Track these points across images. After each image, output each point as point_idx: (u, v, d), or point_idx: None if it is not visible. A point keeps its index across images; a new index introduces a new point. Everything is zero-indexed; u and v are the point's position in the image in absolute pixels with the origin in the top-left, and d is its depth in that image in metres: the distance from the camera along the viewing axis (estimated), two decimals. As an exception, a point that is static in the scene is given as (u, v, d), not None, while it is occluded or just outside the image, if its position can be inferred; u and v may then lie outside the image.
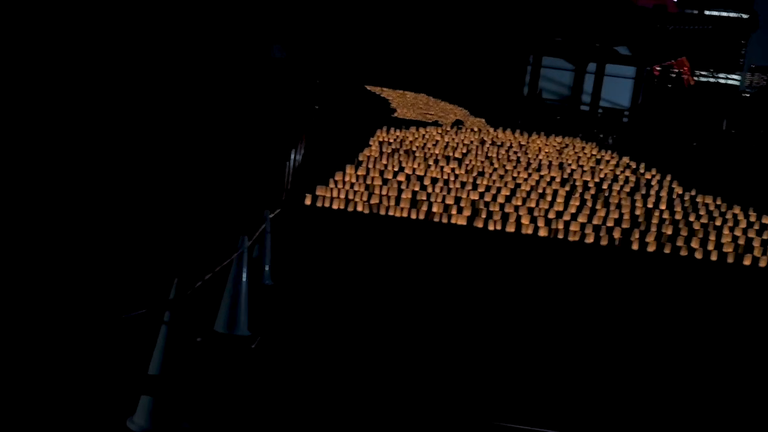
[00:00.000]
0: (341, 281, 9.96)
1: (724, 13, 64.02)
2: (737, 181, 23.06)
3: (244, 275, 6.89)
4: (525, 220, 15.46)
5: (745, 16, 48.06)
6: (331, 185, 16.28)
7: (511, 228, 15.05)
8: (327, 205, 15.32)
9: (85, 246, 9.67)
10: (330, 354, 7.06)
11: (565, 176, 20.20)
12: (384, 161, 19.22)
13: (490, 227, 15.03)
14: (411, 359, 7.22)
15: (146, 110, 20.27)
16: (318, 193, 15.61)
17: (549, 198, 17.38)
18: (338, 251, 11.88)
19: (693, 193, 19.79)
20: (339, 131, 23.74)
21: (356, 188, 16.43)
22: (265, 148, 18.09)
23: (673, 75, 72.31)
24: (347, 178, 17.12)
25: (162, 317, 4.93)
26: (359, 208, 15.32)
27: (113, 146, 16.72)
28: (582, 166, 21.84)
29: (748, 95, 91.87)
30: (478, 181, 18.21)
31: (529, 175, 19.64)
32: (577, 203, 17.34)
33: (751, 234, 16.32)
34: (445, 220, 15.23)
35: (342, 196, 15.69)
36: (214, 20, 27.41)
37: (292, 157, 17.46)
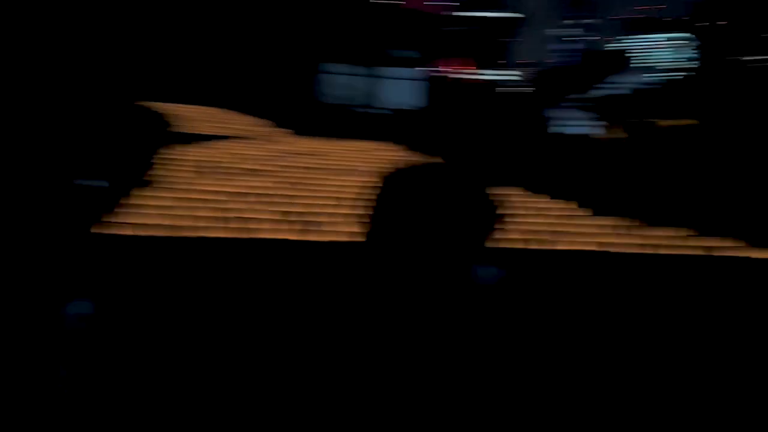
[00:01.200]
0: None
1: (494, 14, 68.19)
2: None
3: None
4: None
5: (514, 15, 51.21)
6: (122, 211, 14.73)
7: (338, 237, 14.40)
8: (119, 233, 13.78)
9: None
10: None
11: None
12: (179, 180, 17.82)
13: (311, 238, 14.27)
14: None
15: None
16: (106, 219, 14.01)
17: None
18: (141, 288, 10.54)
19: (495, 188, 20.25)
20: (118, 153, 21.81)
21: (150, 210, 14.98)
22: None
23: (453, 74, 75.96)
24: (140, 201, 15.60)
25: None
26: (159, 232, 13.93)
27: None
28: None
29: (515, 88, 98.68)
30: (293, 192, 17.40)
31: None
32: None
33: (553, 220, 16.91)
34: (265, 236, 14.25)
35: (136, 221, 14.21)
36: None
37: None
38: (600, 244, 15.14)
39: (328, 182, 18.90)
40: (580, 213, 17.69)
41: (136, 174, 17.97)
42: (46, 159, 17.13)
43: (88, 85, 33.81)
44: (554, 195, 18.95)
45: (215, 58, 45.04)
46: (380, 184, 3.57)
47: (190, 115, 35.82)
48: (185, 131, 29.74)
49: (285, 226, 14.65)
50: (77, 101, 28.99)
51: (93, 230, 13.53)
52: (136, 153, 21.29)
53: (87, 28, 37.04)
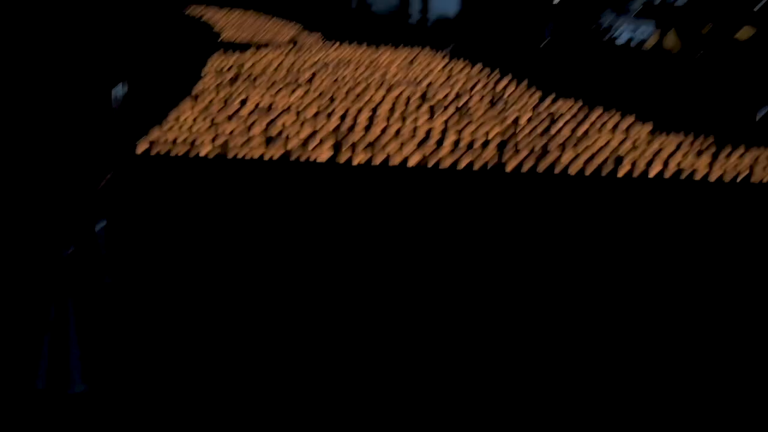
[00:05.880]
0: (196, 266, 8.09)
1: None
2: (591, 82, 22.71)
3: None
4: (393, 148, 13.97)
5: None
6: (168, 126, 13.95)
7: (378, 159, 13.50)
8: (165, 151, 13.02)
9: None
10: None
11: (422, 93, 18.84)
12: (224, 92, 16.95)
13: (355, 161, 13.41)
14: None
15: None
16: (153, 137, 13.27)
17: (412, 119, 15.97)
18: (187, 216, 9.86)
19: (553, 97, 19.09)
20: (164, 63, 20.94)
21: (197, 127, 14.19)
22: (79, 91, 15.34)
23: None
24: (185, 116, 14.80)
25: None
26: (204, 152, 13.15)
27: None
28: (436, 81, 20.58)
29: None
30: (333, 107, 16.45)
31: (385, 94, 18.09)
32: (442, 122, 16.07)
33: (619, 138, 15.81)
34: (306, 157, 13.41)
35: (182, 138, 13.44)
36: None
37: (114, 96, 14.87)
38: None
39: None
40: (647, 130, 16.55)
41: (182, 86, 17.14)
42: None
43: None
44: (620, 108, 17.74)
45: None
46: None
47: (228, 22, 34.58)
48: (224, 39, 28.66)
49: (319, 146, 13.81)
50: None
51: (138, 152, 12.75)
52: (181, 64, 20.42)
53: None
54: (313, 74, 20.12)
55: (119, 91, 14.85)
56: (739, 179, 13.93)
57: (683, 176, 13.89)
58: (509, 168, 13.70)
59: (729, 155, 14.89)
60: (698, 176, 13.93)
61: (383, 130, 14.92)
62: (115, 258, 7.21)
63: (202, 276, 7.61)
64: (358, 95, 17.69)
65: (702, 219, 11.51)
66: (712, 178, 13.92)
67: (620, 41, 41.46)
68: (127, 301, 6.61)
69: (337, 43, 26.08)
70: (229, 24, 34.16)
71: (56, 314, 5.01)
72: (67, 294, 5.02)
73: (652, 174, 13.86)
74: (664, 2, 49.56)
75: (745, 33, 32.63)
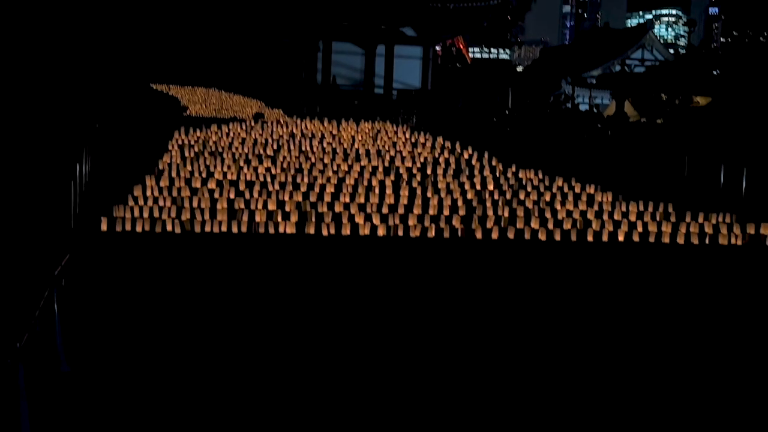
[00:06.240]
0: (159, 335, 7.83)
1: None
2: (551, 152, 23.14)
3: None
4: (359, 220, 13.93)
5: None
6: (131, 203, 13.77)
7: (346, 231, 13.44)
8: (129, 228, 12.80)
9: None
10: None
11: (386, 164, 18.97)
12: (188, 167, 16.86)
13: (324, 232, 13.33)
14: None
15: None
16: (116, 214, 13.07)
17: (377, 191, 16.01)
18: (150, 287, 9.63)
19: (514, 169, 19.36)
20: (129, 138, 20.87)
21: (162, 203, 14.02)
22: (42, 167, 15.11)
23: (454, 51, 74.59)
24: (149, 192, 14.64)
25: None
26: (169, 228, 12.96)
27: None
28: (400, 152, 20.78)
29: (521, 68, 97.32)
30: (299, 180, 16.44)
31: (350, 166, 18.17)
32: (407, 193, 16.13)
33: (582, 206, 15.99)
34: (272, 230, 13.29)
35: (146, 214, 13.25)
36: None
37: (77, 172, 14.66)
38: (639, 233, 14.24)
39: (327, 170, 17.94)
40: (609, 198, 16.79)
41: (146, 160, 17.02)
42: (58, 147, 16.18)
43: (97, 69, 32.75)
44: (579, 178, 18.04)
45: (212, 40, 43.86)
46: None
47: (193, 98, 34.83)
48: (190, 114, 28.80)
49: (284, 220, 13.72)
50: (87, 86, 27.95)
51: (101, 228, 12.52)
52: (146, 139, 20.35)
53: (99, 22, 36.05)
54: (278, 147, 20.19)
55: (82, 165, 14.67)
56: (704, 242, 14.12)
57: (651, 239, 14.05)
58: (478, 236, 13.72)
59: (690, 221, 15.12)
60: (665, 239, 14.09)
61: (349, 202, 14.91)
62: (74, 344, 6.94)
63: (168, 358, 7.35)
64: (323, 168, 17.73)
65: (667, 281, 11.57)
66: (679, 241, 14.08)
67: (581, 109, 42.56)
68: (88, 393, 6.25)
69: (300, 118, 26.36)
70: (194, 99, 34.42)
71: (7, 411, 4.66)
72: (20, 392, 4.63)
73: (620, 238, 14.01)
74: (623, 72, 51.23)
75: (703, 100, 33.72)
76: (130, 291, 9.42)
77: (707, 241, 14.15)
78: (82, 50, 33.98)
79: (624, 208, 15.82)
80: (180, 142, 20.14)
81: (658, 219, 15.32)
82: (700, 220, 15.13)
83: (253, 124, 24.31)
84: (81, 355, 6.85)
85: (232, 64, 43.65)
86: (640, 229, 14.48)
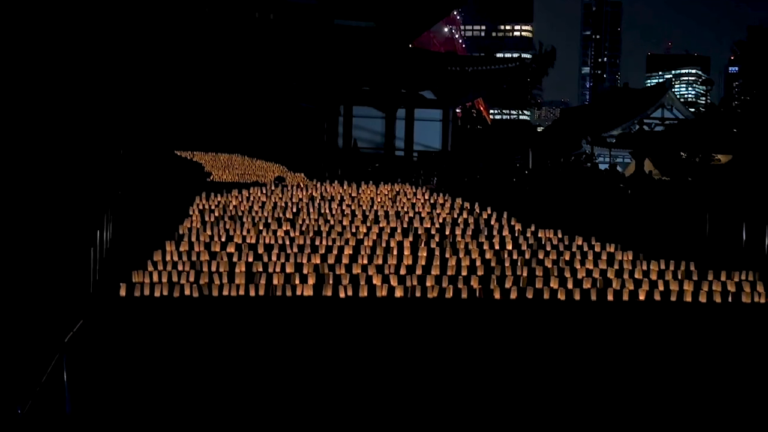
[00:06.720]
0: (176, 398, 7.79)
1: (515, 54, 67.52)
2: (570, 212, 23.05)
3: None
4: (377, 281, 13.91)
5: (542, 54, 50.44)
6: (150, 268, 13.88)
7: (363, 292, 13.41)
8: (147, 293, 12.88)
9: None
10: None
11: (405, 225, 19.01)
12: (208, 232, 17.03)
13: (341, 294, 13.31)
14: None
15: None
16: (135, 279, 13.17)
17: (395, 252, 16.02)
18: (168, 351, 9.63)
19: (533, 228, 19.29)
20: (150, 203, 21.15)
21: (180, 268, 14.13)
22: (65, 231, 15.32)
23: (474, 113, 75.35)
24: (168, 257, 14.77)
25: None
26: (187, 292, 13.02)
27: None
28: (419, 213, 20.83)
29: (541, 129, 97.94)
30: (317, 242, 16.51)
31: (369, 228, 18.23)
32: (425, 254, 16.11)
33: (602, 266, 15.84)
34: (289, 293, 13.30)
35: (164, 279, 13.34)
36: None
37: (98, 238, 14.85)
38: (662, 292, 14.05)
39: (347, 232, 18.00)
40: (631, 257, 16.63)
41: (167, 225, 17.20)
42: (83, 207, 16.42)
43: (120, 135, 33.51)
44: (599, 237, 17.91)
45: (236, 107, 44.83)
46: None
47: (216, 163, 35.39)
48: (213, 180, 29.20)
49: (302, 283, 13.73)
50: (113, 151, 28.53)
51: (120, 294, 12.60)
52: (167, 204, 20.59)
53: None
54: (298, 210, 20.35)
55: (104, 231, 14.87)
56: (727, 300, 13.87)
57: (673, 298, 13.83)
58: (497, 296, 13.61)
59: (712, 279, 14.90)
60: (687, 298, 13.88)
61: (367, 264, 14.90)
62: (83, 411, 6.92)
63: (185, 421, 7.30)
64: (341, 230, 17.80)
65: (689, 339, 11.34)
66: (701, 299, 13.85)
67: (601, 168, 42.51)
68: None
69: (321, 181, 26.60)
70: (218, 165, 34.96)
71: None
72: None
73: (641, 297, 13.81)
74: (642, 131, 51.29)
75: (723, 157, 33.61)
76: (144, 356, 9.42)
77: (730, 300, 13.93)
78: (109, 113, 34.88)
79: (645, 267, 15.66)
80: (201, 207, 20.38)
81: (679, 277, 15.13)
82: (723, 278, 14.91)
83: (273, 188, 24.57)
84: (89, 422, 6.83)
85: (255, 130, 44.48)
86: (661, 287, 14.31)
